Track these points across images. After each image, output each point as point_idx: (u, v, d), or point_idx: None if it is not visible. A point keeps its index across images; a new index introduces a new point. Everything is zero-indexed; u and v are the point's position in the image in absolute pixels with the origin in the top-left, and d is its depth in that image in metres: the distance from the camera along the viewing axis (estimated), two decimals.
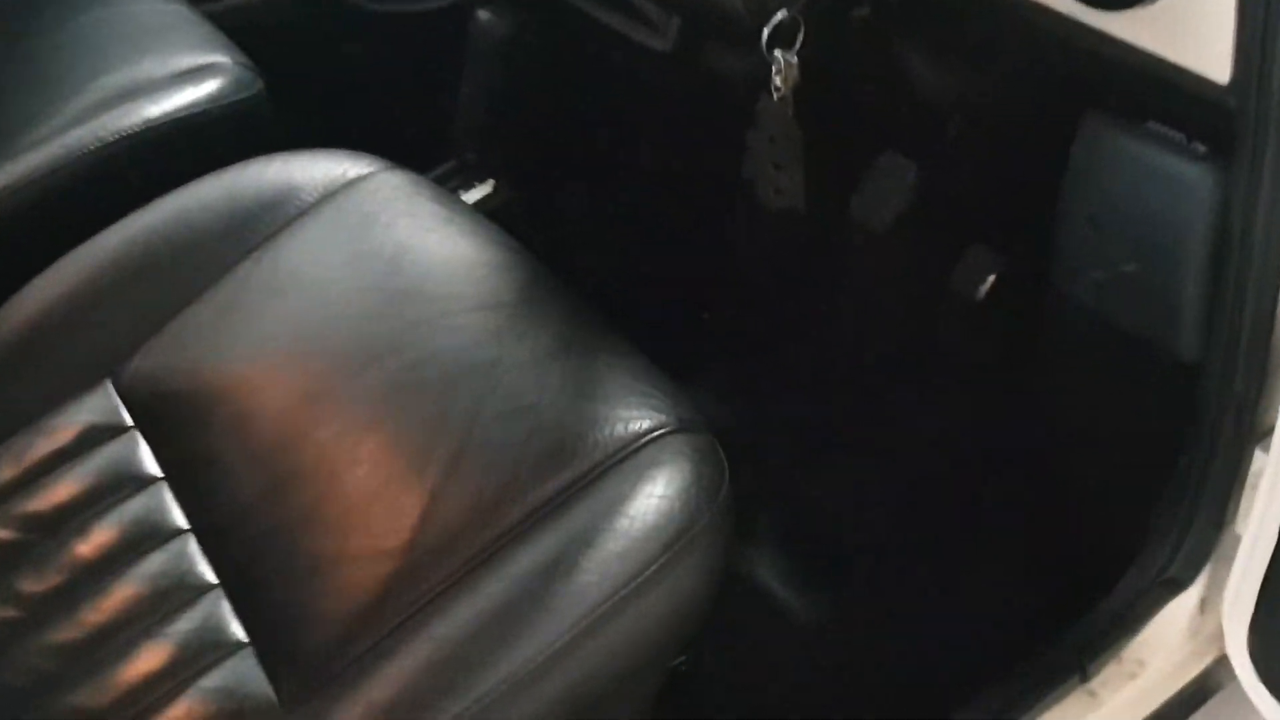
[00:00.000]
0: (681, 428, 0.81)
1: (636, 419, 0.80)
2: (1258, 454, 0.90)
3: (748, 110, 0.94)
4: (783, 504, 1.20)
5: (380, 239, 0.95)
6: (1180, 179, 0.81)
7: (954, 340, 1.29)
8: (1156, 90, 0.79)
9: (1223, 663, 0.97)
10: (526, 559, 0.74)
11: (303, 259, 0.94)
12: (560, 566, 0.72)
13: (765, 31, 0.89)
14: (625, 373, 0.84)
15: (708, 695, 1.04)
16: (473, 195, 1.33)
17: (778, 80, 0.91)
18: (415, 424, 0.82)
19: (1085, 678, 0.93)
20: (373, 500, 0.80)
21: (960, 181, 1.25)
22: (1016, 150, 1.12)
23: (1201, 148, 0.80)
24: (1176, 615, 0.95)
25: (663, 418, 0.81)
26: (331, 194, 1.00)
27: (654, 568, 0.73)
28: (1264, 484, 0.85)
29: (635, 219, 1.39)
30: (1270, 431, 0.89)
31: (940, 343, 1.30)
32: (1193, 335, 0.85)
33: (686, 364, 1.35)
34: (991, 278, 1.26)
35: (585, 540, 0.73)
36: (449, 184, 1.35)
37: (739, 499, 1.18)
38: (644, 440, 0.79)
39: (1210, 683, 0.97)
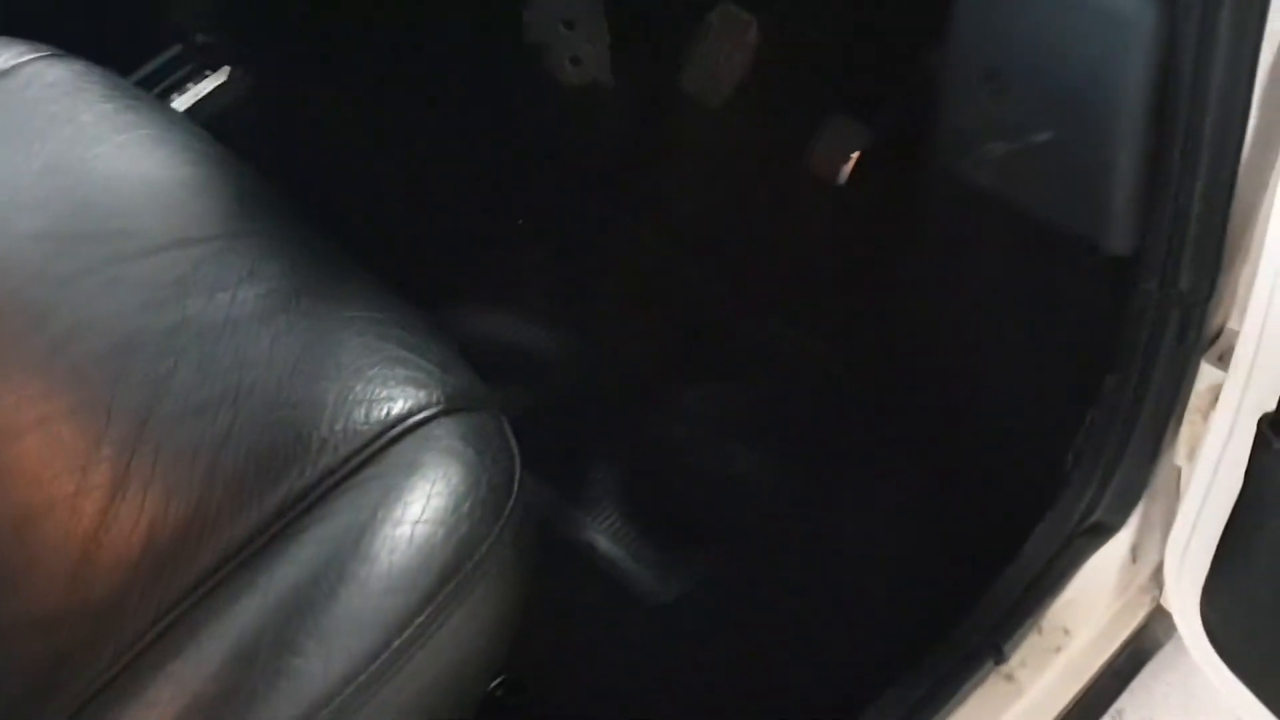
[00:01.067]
0: (452, 406, 0.58)
1: (386, 400, 0.57)
2: (1204, 367, 0.71)
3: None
4: (626, 452, 0.99)
5: (27, 157, 0.68)
6: (1109, 17, 0.59)
7: (815, 234, 1.08)
8: None
9: (1158, 617, 0.81)
10: (222, 632, 0.50)
11: None
12: (269, 645, 0.49)
13: None
14: (374, 332, 0.60)
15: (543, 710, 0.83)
16: (203, 87, 1.05)
17: None
18: (67, 429, 0.57)
19: (1001, 658, 0.75)
20: (12, 548, 0.56)
21: (811, 36, 1.03)
22: None
23: None
24: (1105, 568, 0.77)
25: (425, 394, 0.58)
26: None
27: (411, 629, 0.51)
28: (1223, 406, 0.67)
29: (408, 111, 1.12)
30: (1216, 338, 0.71)
31: (799, 238, 1.09)
32: (1125, 221, 0.65)
33: (495, 285, 1.13)
34: (855, 155, 1.06)
35: (306, 602, 0.50)
36: (172, 75, 1.06)
37: (571, 449, 0.95)
38: (396, 431, 0.56)
39: (1145, 643, 0.80)
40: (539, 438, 0.67)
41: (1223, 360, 0.71)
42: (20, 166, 0.68)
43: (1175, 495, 0.75)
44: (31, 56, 0.76)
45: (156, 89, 1.07)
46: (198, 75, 1.06)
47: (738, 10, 1.06)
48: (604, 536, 0.92)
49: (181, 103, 1.05)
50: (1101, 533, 0.76)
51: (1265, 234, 0.62)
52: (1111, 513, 0.75)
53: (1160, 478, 0.76)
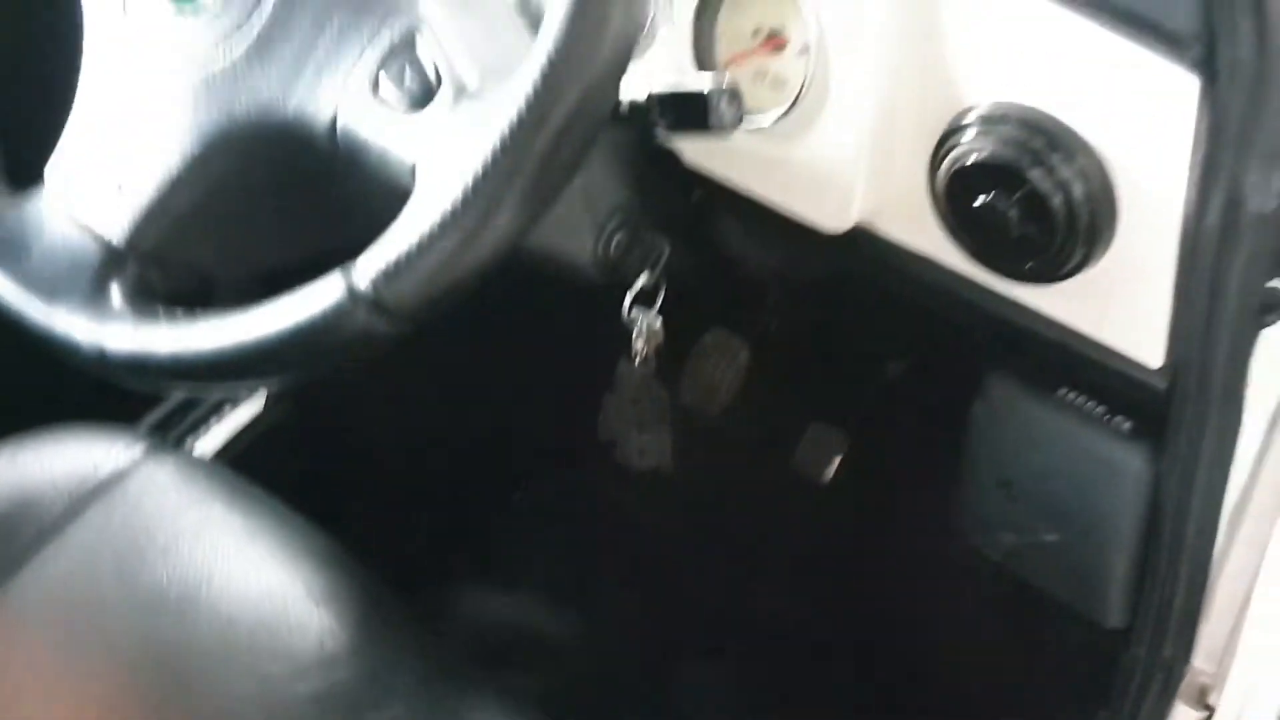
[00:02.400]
0: None
1: None
2: (1180, 707, 0.85)
3: (604, 373, 0.82)
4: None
5: (160, 575, 0.76)
6: (1105, 457, 0.73)
7: (804, 527, 1.20)
8: (1072, 362, 0.72)
9: None
10: None
11: (46, 619, 0.73)
12: None
13: (628, 298, 0.77)
14: None
15: None
16: (235, 418, 1.12)
17: (639, 344, 0.79)
18: None
19: None
20: None
21: (794, 355, 1.17)
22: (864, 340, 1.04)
23: (1126, 424, 0.73)
24: None
25: None
26: (82, 504, 0.80)
27: None
28: None
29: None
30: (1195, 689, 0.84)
31: (791, 530, 1.21)
32: (1118, 604, 0.79)
33: (500, 562, 1.22)
34: (837, 458, 1.19)
35: None
36: (191, 414, 1.13)
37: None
38: None
39: None
40: None
41: (1198, 699, 0.85)
42: (160, 586, 0.75)
43: None
44: (142, 451, 0.84)
45: (177, 430, 1.14)
46: (217, 412, 1.13)
47: (729, 335, 1.20)
48: None
49: (209, 443, 1.12)
50: None
51: (1241, 617, 0.76)
52: None
53: None
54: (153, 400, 1.16)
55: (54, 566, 0.77)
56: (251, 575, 0.77)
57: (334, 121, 0.56)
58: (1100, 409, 0.73)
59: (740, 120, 0.61)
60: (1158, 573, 0.75)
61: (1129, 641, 0.79)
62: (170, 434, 1.15)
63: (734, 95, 0.60)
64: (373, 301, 0.51)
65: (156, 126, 0.60)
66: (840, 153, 0.70)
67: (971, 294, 0.72)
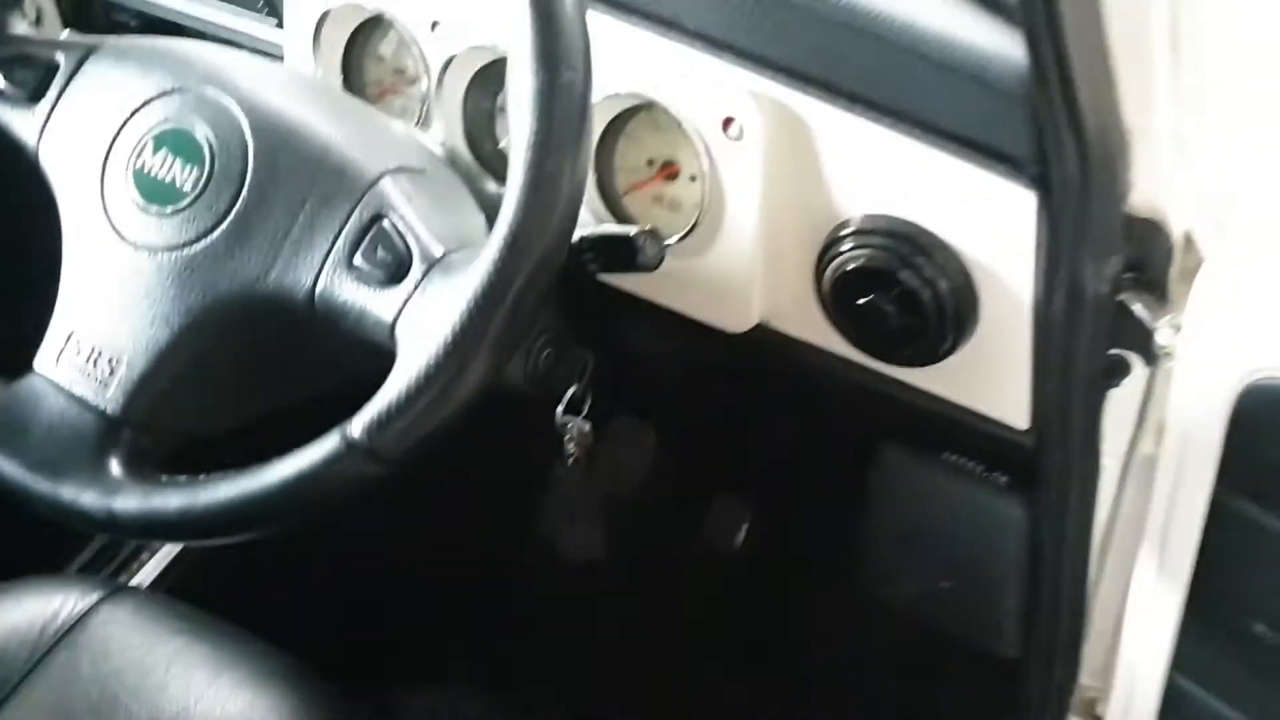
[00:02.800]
0: None
1: None
2: None
3: (539, 476, 0.89)
4: None
5: (137, 716, 0.79)
6: (987, 509, 0.84)
7: (721, 594, 1.28)
8: (952, 428, 0.82)
9: None
10: None
11: None
12: None
13: (559, 409, 0.85)
14: None
15: None
16: (164, 551, 1.15)
17: (571, 446, 0.87)
18: None
19: None
20: None
21: (698, 436, 1.26)
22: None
23: (1002, 478, 0.83)
24: None
25: None
26: (47, 653, 0.83)
27: None
28: None
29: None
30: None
31: (706, 598, 1.29)
32: (1011, 636, 0.89)
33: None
34: (744, 526, 1.28)
35: None
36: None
37: None
38: None
39: None
40: None
41: (1087, 712, 0.96)
42: None
43: None
44: (102, 592, 0.88)
45: (108, 569, 1.17)
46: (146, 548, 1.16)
47: (636, 420, 1.28)
48: None
49: (145, 575, 1.16)
50: None
51: (1116, 637, 0.87)
52: None
53: None
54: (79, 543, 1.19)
55: (26, 716, 0.81)
56: (227, 704, 0.81)
57: (312, 291, 0.64)
58: (980, 468, 0.84)
59: (662, 257, 0.70)
60: (1042, 606, 0.85)
61: (1025, 668, 0.89)
62: (101, 573, 1.18)
63: (655, 235, 0.69)
64: (367, 450, 0.58)
65: (143, 306, 0.66)
66: (737, 265, 0.79)
67: (860, 377, 0.83)
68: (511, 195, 0.58)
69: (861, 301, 0.76)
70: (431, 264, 0.62)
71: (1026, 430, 0.79)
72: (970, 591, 0.87)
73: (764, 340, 0.84)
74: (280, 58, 0.93)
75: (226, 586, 1.18)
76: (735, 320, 0.82)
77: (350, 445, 0.59)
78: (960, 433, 0.82)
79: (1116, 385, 0.76)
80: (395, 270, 0.63)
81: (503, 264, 0.57)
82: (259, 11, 0.99)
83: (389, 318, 0.62)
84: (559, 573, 1.02)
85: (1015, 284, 0.73)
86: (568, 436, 0.86)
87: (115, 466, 0.65)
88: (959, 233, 0.73)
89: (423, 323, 0.60)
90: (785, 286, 0.81)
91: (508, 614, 1.28)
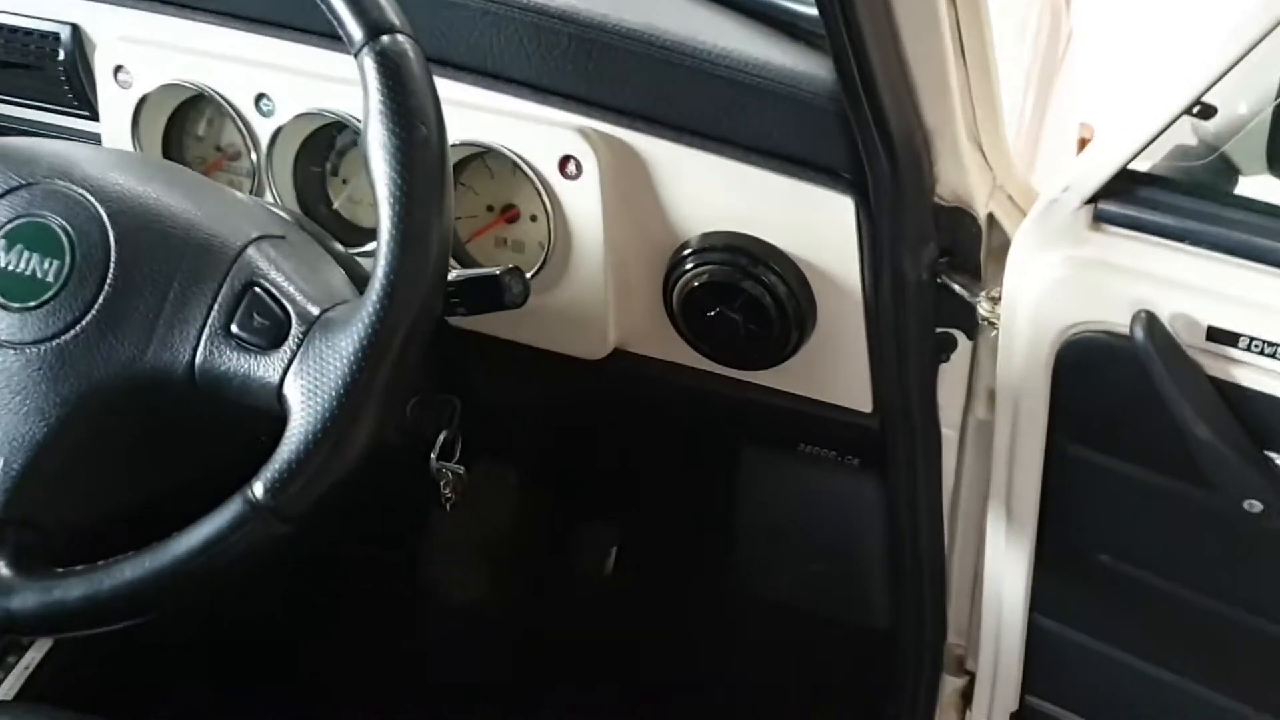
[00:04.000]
0: None
1: None
2: (946, 678, 1.02)
3: (417, 521, 0.91)
4: None
5: None
6: (844, 492, 0.91)
7: (594, 617, 1.31)
8: (805, 422, 0.88)
9: None
10: None
11: None
12: None
13: (433, 455, 0.87)
14: None
15: None
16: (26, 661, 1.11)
17: (447, 490, 0.89)
18: None
19: None
20: None
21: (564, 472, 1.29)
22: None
23: (854, 461, 0.90)
24: None
25: None
26: None
27: None
28: (977, 710, 0.97)
29: None
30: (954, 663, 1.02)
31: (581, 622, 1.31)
32: (881, 608, 0.96)
33: None
34: (614, 549, 1.32)
35: None
36: None
37: None
38: None
39: None
40: None
41: (958, 668, 1.03)
42: None
43: None
44: None
45: None
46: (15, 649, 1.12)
47: (495, 462, 1.31)
48: None
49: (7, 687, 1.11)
50: None
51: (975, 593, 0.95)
52: None
53: None
54: None
55: None
56: None
57: (192, 364, 0.65)
58: (833, 454, 0.90)
59: (528, 293, 0.74)
60: (905, 573, 0.92)
61: (898, 636, 0.96)
62: None
63: (518, 273, 0.72)
64: (271, 510, 0.60)
65: (15, 402, 0.66)
66: (589, 296, 0.84)
67: (715, 386, 0.88)
68: (384, 249, 0.61)
69: (710, 314, 0.81)
70: (310, 323, 0.65)
71: (871, 413, 0.86)
72: (839, 571, 0.94)
73: (621, 365, 0.89)
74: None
75: (95, 689, 1.14)
76: (592, 348, 0.87)
77: (254, 507, 0.61)
78: (813, 424, 0.88)
79: (946, 360, 0.83)
80: (275, 334, 0.64)
81: (384, 315, 0.60)
82: (72, 107, 0.98)
83: (274, 379, 0.64)
84: (446, 615, 1.03)
85: (846, 280, 0.80)
86: (443, 482, 0.88)
87: (3, 567, 0.65)
88: (790, 240, 0.80)
89: (310, 381, 0.62)
90: (637, 310, 0.86)
91: (397, 668, 1.28)
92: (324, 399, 0.61)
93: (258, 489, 0.61)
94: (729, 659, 1.11)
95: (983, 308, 0.77)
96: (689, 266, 0.82)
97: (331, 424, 0.60)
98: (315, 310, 0.65)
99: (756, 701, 1.08)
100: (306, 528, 0.61)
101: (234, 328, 0.64)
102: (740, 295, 0.81)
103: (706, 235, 0.82)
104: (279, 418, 0.63)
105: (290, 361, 0.64)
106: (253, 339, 0.65)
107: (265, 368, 0.64)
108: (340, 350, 0.61)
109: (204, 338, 0.64)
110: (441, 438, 0.87)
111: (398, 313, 0.61)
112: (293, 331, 0.64)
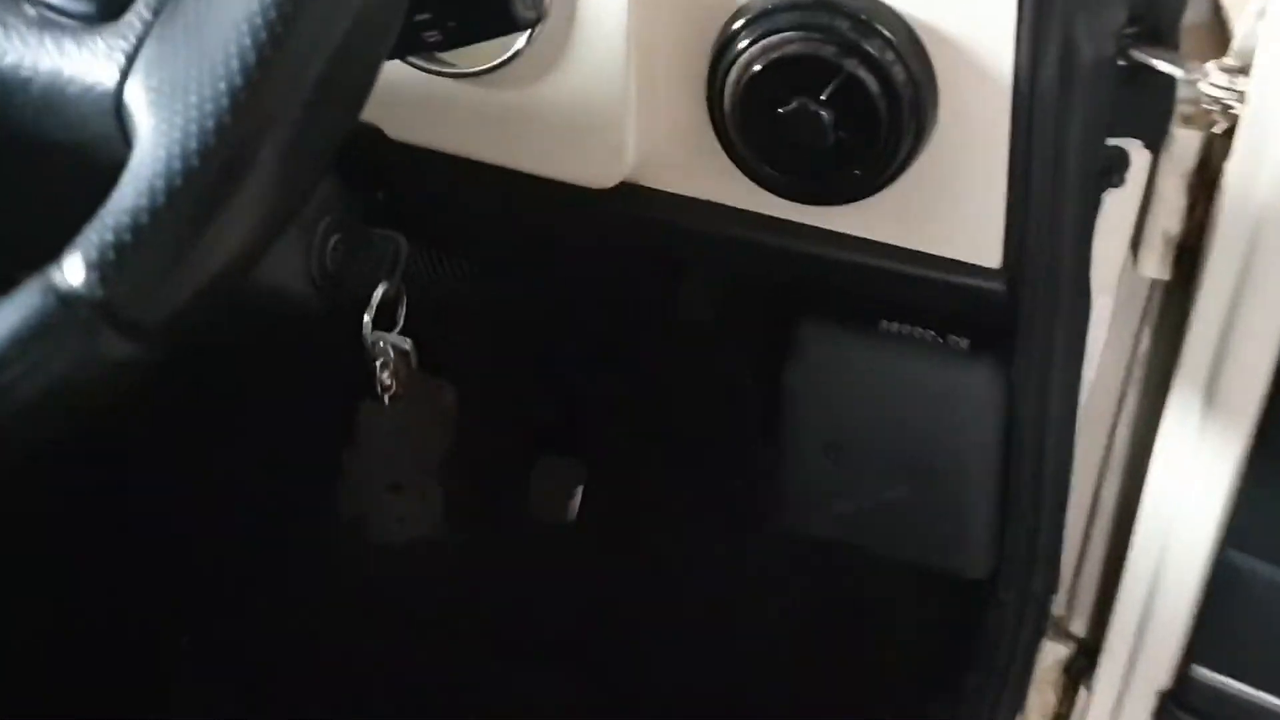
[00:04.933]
0: None
1: None
2: (1047, 644, 0.78)
3: (340, 424, 0.64)
4: None
5: None
6: (947, 384, 0.65)
7: (553, 575, 1.05)
8: (893, 285, 0.63)
9: None
10: None
11: None
12: None
13: (367, 318, 0.60)
14: None
15: None
16: None
17: (385, 376, 0.62)
18: None
19: None
20: None
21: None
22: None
23: (963, 341, 0.65)
24: None
25: None
26: None
27: None
28: (1105, 685, 0.73)
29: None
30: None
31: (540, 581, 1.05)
32: (981, 553, 0.71)
33: None
34: (579, 490, 1.06)
35: None
36: None
37: None
38: None
39: None
40: None
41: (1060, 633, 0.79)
42: None
43: None
44: None
45: None
46: None
47: (424, 376, 1.03)
48: None
49: None
50: None
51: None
52: None
53: None
54: None
55: None
56: None
57: None
58: (931, 333, 0.65)
59: (543, 9, 0.46)
60: (1021, 501, 0.67)
61: (994, 588, 0.72)
62: None
63: None
64: (100, 307, 0.33)
65: None
66: (601, 86, 0.57)
67: (766, 233, 0.62)
68: None
69: (782, 111, 0.55)
70: None
71: (999, 269, 0.60)
72: (925, 500, 0.68)
73: (629, 205, 0.62)
74: None
75: None
76: (597, 169, 0.59)
77: (66, 301, 0.33)
78: (903, 289, 0.62)
79: (1119, 184, 0.59)
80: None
81: None
82: None
83: (109, 80, 0.35)
84: (369, 560, 0.76)
85: (987, 56, 0.54)
86: (380, 361, 0.61)
87: None
88: None
89: (173, 84, 0.34)
90: (663, 119, 0.59)
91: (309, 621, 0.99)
92: (192, 116, 0.33)
93: (72, 269, 0.33)
94: (750, 626, 0.84)
95: (1212, 80, 0.52)
96: (750, 39, 0.55)
97: (210, 153, 0.33)
98: None
99: (788, 677, 0.82)
100: (172, 353, 0.34)
101: None
102: (832, 78, 0.54)
103: None
104: (110, 154, 0.35)
105: (137, 47, 0.36)
106: (71, 2, 0.36)
107: (88, 59, 0.36)
108: (224, 32, 0.34)
109: None
110: (379, 294, 0.60)
111: None
112: None
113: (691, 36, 0.57)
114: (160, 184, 0.33)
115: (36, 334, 0.32)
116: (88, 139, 0.35)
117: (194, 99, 0.33)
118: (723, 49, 0.56)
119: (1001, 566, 0.70)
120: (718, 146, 0.59)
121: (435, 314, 0.84)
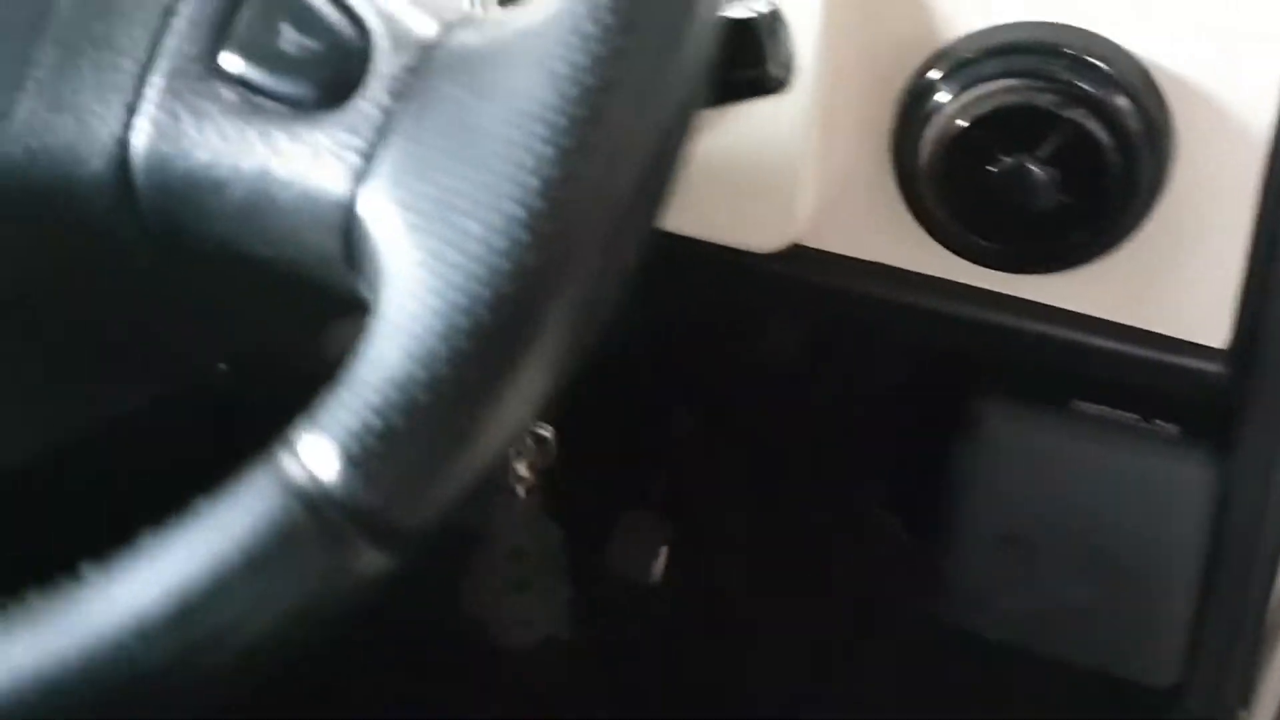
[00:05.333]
0: None
1: None
2: None
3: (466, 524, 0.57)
4: None
5: None
6: (1149, 474, 0.57)
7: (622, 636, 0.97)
8: (1091, 362, 0.55)
9: None
10: None
11: None
12: None
13: None
14: None
15: None
16: None
17: (521, 468, 0.55)
18: None
19: None
20: None
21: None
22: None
23: (1172, 428, 0.57)
24: None
25: None
26: None
27: None
28: None
29: None
30: None
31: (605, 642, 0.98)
32: (1170, 657, 0.63)
33: None
34: (664, 550, 0.98)
35: None
36: None
37: None
38: None
39: None
40: None
41: None
42: None
43: None
44: None
45: None
46: None
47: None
48: None
49: None
50: None
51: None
52: None
53: None
54: None
55: None
56: None
57: (123, 144, 0.28)
58: (1135, 416, 0.57)
59: (793, 63, 0.39)
60: (1223, 604, 0.60)
61: (1179, 697, 0.64)
62: None
63: (778, 19, 0.38)
64: (359, 513, 0.25)
65: None
66: (779, 139, 0.50)
67: (955, 303, 0.54)
68: None
69: (995, 169, 0.48)
70: (421, 53, 0.28)
71: (1225, 349, 0.53)
72: (1113, 602, 0.61)
73: (797, 268, 0.55)
74: None
75: None
76: (768, 232, 0.52)
77: (314, 507, 0.25)
78: (1107, 367, 0.55)
79: None
80: (338, 81, 0.27)
81: (609, 41, 0.25)
82: None
83: (336, 188, 0.27)
84: (497, 666, 0.69)
85: (1242, 110, 0.47)
86: (516, 451, 0.54)
87: None
88: (1138, 29, 0.47)
89: (436, 201, 0.26)
90: (836, 174, 0.52)
91: None
92: (489, 236, 0.25)
93: (320, 462, 0.25)
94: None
95: None
96: (955, 88, 0.48)
97: (514, 296, 0.25)
98: (428, 27, 0.29)
99: None
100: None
101: (227, 55, 0.28)
102: (1055, 131, 0.47)
103: (977, 36, 0.49)
104: (324, 275, 0.28)
105: (377, 141, 0.27)
106: (281, 83, 0.28)
107: (310, 154, 0.27)
108: (509, 101, 0.26)
109: (151, 85, 0.28)
110: None
111: (636, 34, 0.25)
112: (376, 67, 0.28)
113: (876, 84, 0.50)
114: (441, 347, 0.24)
115: (274, 554, 0.24)
116: (295, 256, 0.28)
117: (474, 227, 0.25)
118: (917, 99, 0.49)
119: (1192, 674, 0.62)
120: (901, 206, 0.52)
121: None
